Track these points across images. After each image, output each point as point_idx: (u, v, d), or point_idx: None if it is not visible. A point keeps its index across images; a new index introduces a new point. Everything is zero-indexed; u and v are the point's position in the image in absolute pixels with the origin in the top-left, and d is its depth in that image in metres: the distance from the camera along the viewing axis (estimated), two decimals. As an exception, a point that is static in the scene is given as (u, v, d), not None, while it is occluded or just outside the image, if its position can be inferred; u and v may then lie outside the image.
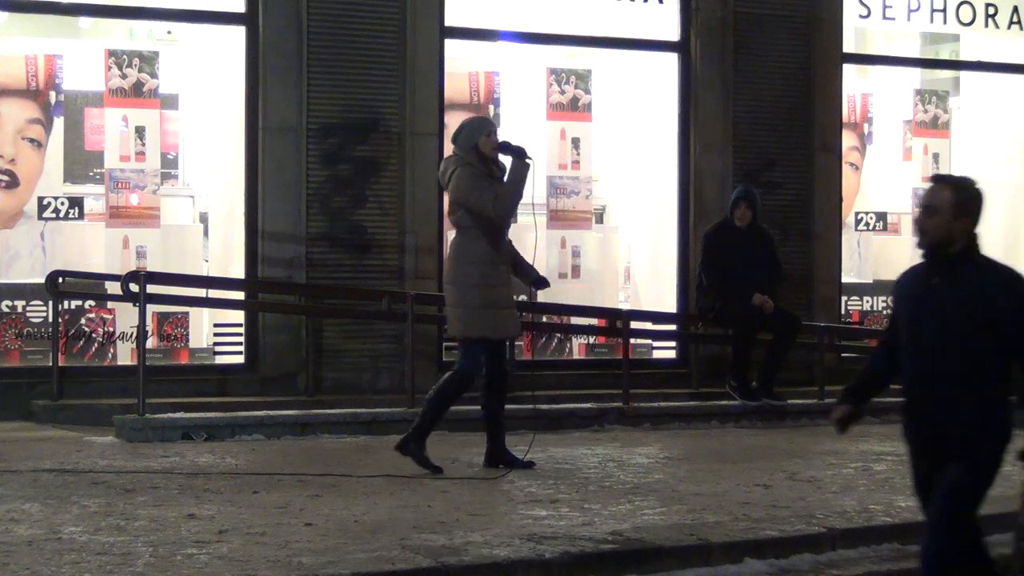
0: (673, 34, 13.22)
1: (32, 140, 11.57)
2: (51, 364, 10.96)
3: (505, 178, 8.74)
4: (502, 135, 12.69)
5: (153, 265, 11.53)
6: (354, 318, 11.81)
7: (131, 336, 11.31)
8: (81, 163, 12.11)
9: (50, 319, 11.16)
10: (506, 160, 8.84)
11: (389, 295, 11.62)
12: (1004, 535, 7.33)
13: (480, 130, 8.75)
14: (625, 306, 13.36)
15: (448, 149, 12.30)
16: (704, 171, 13.13)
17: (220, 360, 11.87)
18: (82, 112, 12.06)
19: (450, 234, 12.43)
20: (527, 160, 8.74)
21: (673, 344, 13.20)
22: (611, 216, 13.95)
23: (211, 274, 12.11)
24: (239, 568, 5.75)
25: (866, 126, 14.34)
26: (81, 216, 11.69)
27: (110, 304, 11.47)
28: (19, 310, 11.47)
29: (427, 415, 8.71)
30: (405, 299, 11.29)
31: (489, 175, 8.68)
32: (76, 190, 11.86)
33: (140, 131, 11.68)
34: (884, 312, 14.42)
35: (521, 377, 12.04)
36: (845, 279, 13.92)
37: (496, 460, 8.80)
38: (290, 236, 11.72)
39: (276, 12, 11.69)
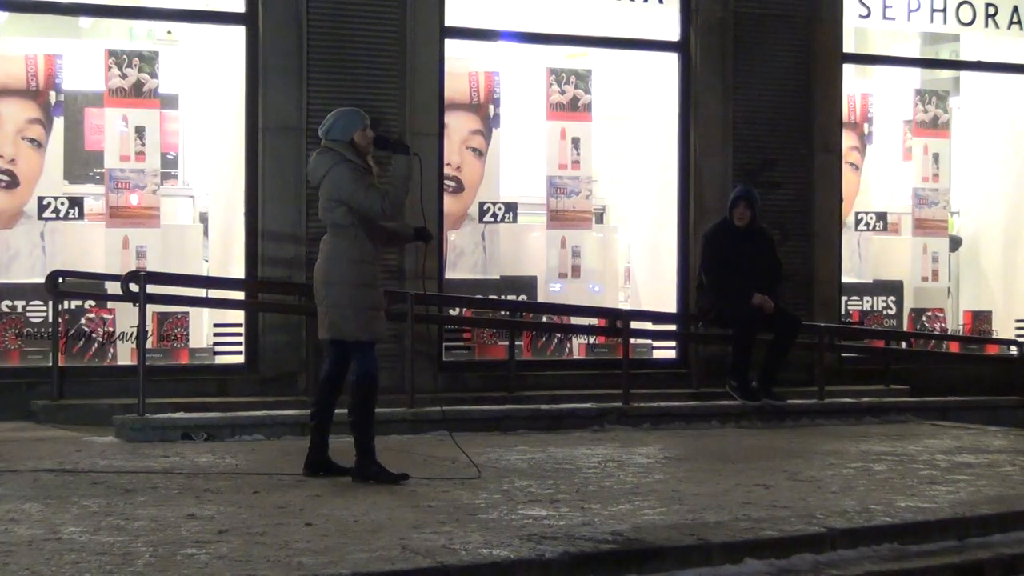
0: (673, 34, 13.22)
1: (32, 140, 11.57)
2: (51, 364, 10.96)
3: (392, 174, 8.32)
4: (504, 136, 12.84)
5: (153, 265, 11.53)
6: (354, 318, 11.78)
7: (131, 336, 11.31)
8: (81, 163, 12.11)
9: (50, 319, 11.17)
10: (380, 154, 8.52)
11: (389, 295, 11.59)
12: (1005, 535, 7.33)
13: (356, 124, 8.30)
14: (625, 306, 13.36)
15: (449, 147, 12.46)
16: (704, 171, 13.13)
17: (220, 360, 11.87)
18: (82, 112, 12.06)
19: (451, 234, 12.53)
20: (413, 155, 8.37)
21: (673, 344, 13.20)
22: (611, 216, 13.95)
23: (211, 274, 12.11)
24: (239, 568, 5.75)
25: (866, 126, 14.34)
26: (81, 216, 11.69)
27: (110, 304, 11.48)
28: (19, 310, 11.48)
29: (361, 435, 8.36)
30: (405, 299, 11.28)
31: (367, 170, 8.32)
32: (76, 190, 11.86)
33: (140, 131, 11.68)
34: (884, 312, 14.44)
35: (523, 377, 12.11)
36: (845, 279, 13.92)
37: (320, 467, 8.42)
38: (290, 236, 11.72)
39: (276, 12, 11.69)
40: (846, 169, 13.89)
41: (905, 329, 14.44)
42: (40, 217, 11.56)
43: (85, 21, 12.45)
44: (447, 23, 12.29)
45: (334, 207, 8.23)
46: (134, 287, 10.57)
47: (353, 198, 8.18)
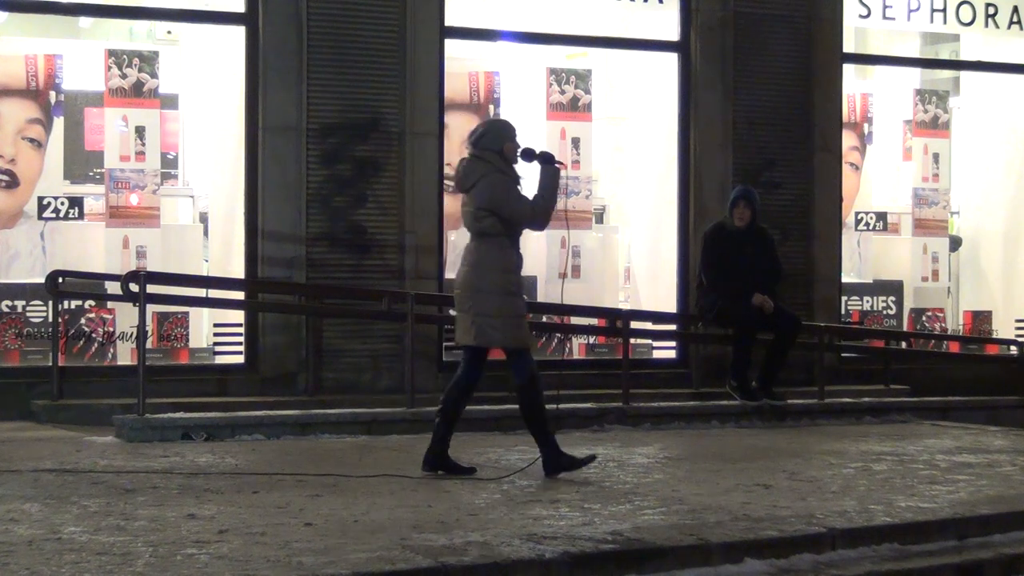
0: (673, 34, 13.22)
1: (32, 140, 11.57)
2: (51, 364, 10.96)
3: (539, 186, 8.52)
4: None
5: (153, 265, 11.53)
6: (354, 318, 11.81)
7: (131, 336, 11.31)
8: (81, 163, 12.11)
9: (50, 319, 11.17)
10: (527, 165, 8.64)
11: (389, 295, 11.62)
12: (1005, 535, 7.33)
13: (507, 134, 8.48)
14: (625, 306, 13.36)
15: (450, 149, 12.46)
16: (704, 171, 13.13)
17: (220, 360, 11.87)
18: (82, 112, 12.06)
19: (451, 234, 12.52)
20: (558, 165, 8.57)
21: (673, 344, 13.20)
22: (611, 216, 13.95)
23: (211, 274, 12.12)
24: (239, 568, 5.75)
25: (866, 126, 14.35)
26: (81, 216, 11.70)
27: (110, 304, 11.48)
28: (19, 310, 11.48)
29: (539, 433, 8.50)
30: (405, 299, 11.28)
31: (516, 180, 8.51)
32: (76, 190, 11.86)
33: (140, 131, 11.68)
34: (884, 312, 14.45)
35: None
36: (845, 279, 13.93)
37: (439, 465, 8.52)
38: (290, 236, 11.72)
39: (276, 12, 11.69)
40: (846, 169, 13.90)
41: (905, 329, 14.44)
42: (40, 217, 11.57)
43: (85, 21, 12.45)
44: (447, 23, 12.29)
45: (483, 216, 8.37)
46: (134, 287, 10.57)
47: (504, 208, 8.33)
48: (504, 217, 8.35)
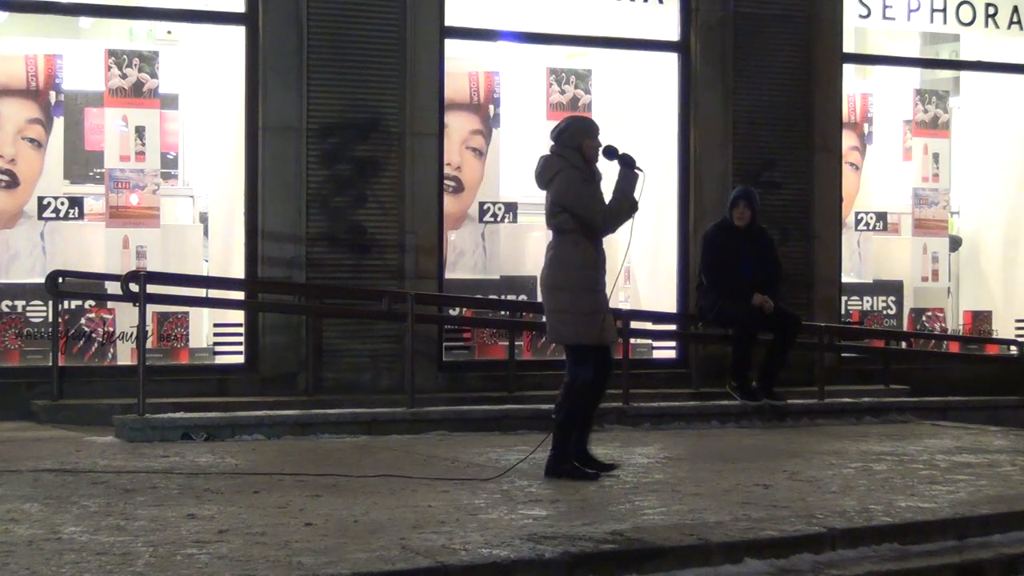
0: (673, 34, 13.22)
1: (32, 140, 11.57)
2: (51, 364, 10.96)
3: (615, 188, 8.50)
4: (504, 136, 12.85)
5: (153, 265, 11.53)
6: (354, 318, 11.81)
7: (131, 336, 11.31)
8: (81, 163, 12.12)
9: (50, 319, 11.17)
10: (605, 163, 8.63)
11: (389, 295, 11.62)
12: (1005, 535, 7.33)
13: (586, 132, 8.45)
14: (625, 306, 13.36)
15: (449, 147, 12.47)
16: (704, 171, 13.13)
17: (220, 360, 11.87)
18: (82, 112, 12.06)
19: (451, 234, 12.54)
20: (637, 170, 8.54)
21: (673, 344, 13.20)
22: (610, 216, 13.93)
23: (211, 274, 12.12)
24: (239, 568, 5.75)
25: (866, 126, 14.34)
26: (81, 216, 11.70)
27: (110, 304, 11.48)
28: (19, 310, 11.48)
29: (559, 433, 8.42)
30: (405, 299, 11.28)
31: (594, 177, 8.50)
32: (76, 190, 11.87)
33: (140, 131, 11.69)
34: (884, 311, 14.45)
35: (523, 377, 12.11)
36: (845, 279, 13.93)
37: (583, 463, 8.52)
38: (290, 236, 11.72)
39: (276, 12, 11.69)
40: (846, 169, 13.90)
41: (905, 329, 14.44)
42: (40, 217, 11.57)
43: (85, 21, 12.45)
44: (447, 23, 12.29)
45: (557, 212, 8.39)
46: (134, 287, 10.57)
47: (575, 207, 8.34)
48: (575, 215, 8.35)
